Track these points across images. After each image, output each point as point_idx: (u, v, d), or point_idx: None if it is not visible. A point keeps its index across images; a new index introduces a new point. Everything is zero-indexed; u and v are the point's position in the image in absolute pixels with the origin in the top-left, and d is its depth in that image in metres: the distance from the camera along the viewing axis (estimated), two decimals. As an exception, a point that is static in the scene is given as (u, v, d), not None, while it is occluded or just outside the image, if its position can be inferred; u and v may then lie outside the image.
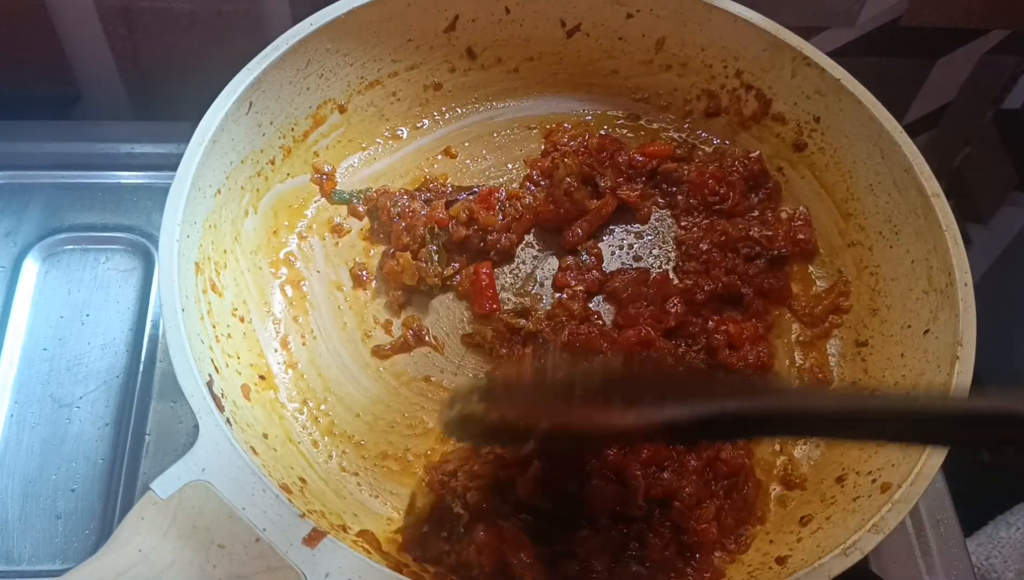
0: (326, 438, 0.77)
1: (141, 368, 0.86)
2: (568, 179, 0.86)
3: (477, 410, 0.62)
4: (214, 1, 1.00)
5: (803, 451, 0.79)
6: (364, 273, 0.85)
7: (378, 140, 0.93)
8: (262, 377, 0.78)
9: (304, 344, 0.81)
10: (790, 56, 0.88)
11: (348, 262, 0.86)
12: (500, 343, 0.81)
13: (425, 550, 0.70)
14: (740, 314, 0.84)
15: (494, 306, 0.83)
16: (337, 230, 0.88)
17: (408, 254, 0.83)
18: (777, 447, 0.79)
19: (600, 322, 0.83)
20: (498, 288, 0.85)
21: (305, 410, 0.78)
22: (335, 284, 0.85)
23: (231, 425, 0.65)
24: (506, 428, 0.62)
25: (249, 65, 0.80)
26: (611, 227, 0.90)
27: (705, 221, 0.89)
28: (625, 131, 0.96)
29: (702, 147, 0.95)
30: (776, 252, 0.86)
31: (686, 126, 0.96)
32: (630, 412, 0.58)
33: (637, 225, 0.90)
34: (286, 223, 0.87)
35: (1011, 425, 0.49)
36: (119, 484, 0.80)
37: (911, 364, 0.77)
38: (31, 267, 0.91)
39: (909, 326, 0.79)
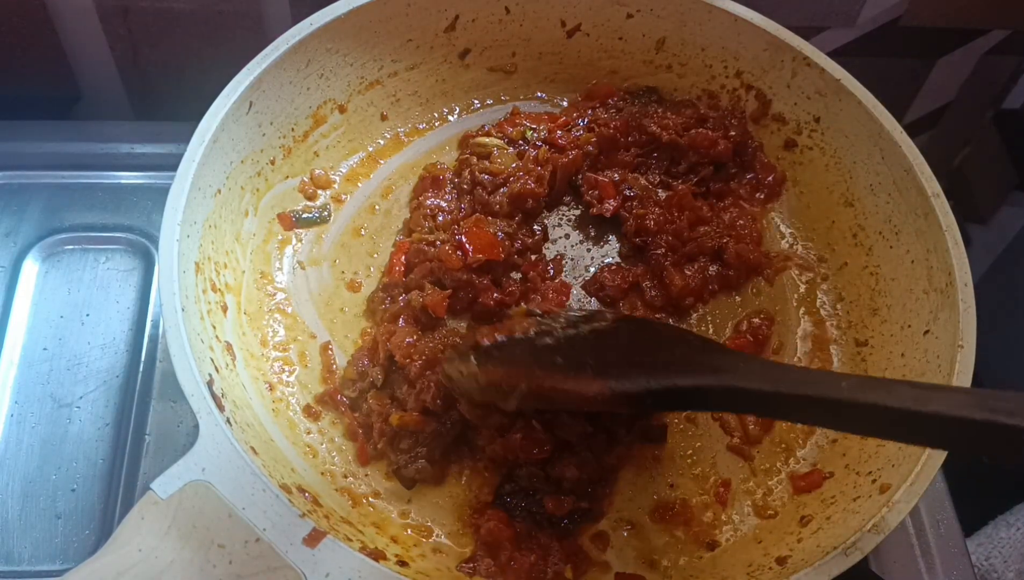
0: (326, 437, 0.77)
1: (141, 368, 0.86)
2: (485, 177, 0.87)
3: (471, 369, 0.67)
4: (214, 1, 1.00)
5: (804, 452, 0.79)
6: (358, 278, 0.86)
7: (378, 140, 0.93)
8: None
9: (305, 345, 0.81)
10: (790, 56, 0.88)
11: (348, 263, 0.87)
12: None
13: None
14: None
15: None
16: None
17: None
18: (783, 446, 0.79)
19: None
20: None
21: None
22: (336, 284, 0.85)
23: (231, 425, 0.65)
24: (494, 387, 0.66)
25: (249, 65, 0.80)
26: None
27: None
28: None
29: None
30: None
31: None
32: (599, 383, 0.63)
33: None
34: (286, 223, 0.87)
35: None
36: (119, 484, 0.80)
37: (911, 364, 0.77)
38: (31, 267, 0.91)
39: (909, 326, 0.79)
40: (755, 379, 0.60)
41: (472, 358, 0.67)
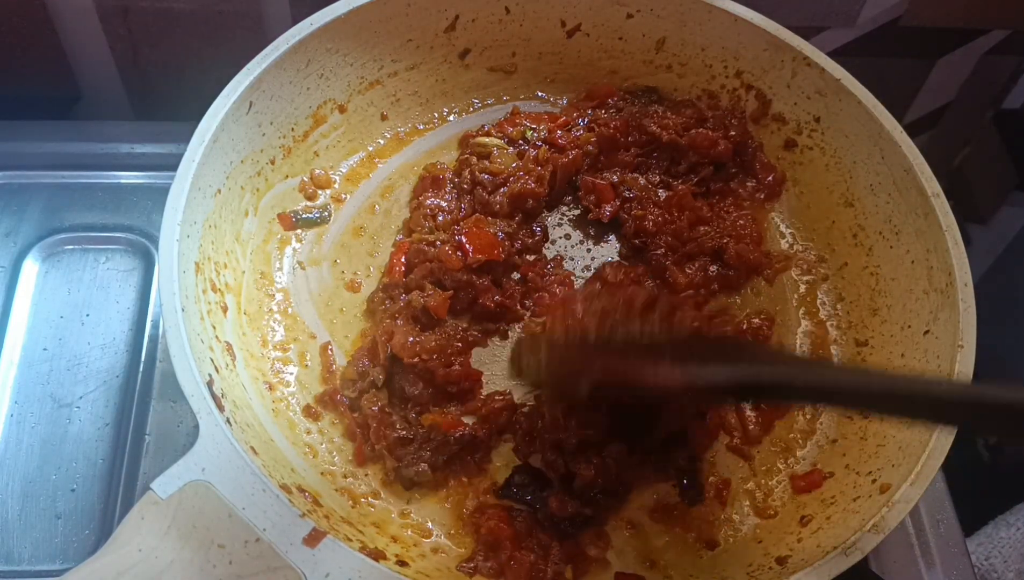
0: (326, 437, 0.77)
1: (141, 368, 0.86)
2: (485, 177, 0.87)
3: (539, 358, 0.69)
4: (214, 1, 1.00)
5: (803, 452, 0.79)
6: (358, 278, 0.86)
7: (378, 140, 0.93)
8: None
9: (305, 346, 0.81)
10: (790, 56, 0.88)
11: (348, 263, 0.87)
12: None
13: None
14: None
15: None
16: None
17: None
18: (782, 446, 0.79)
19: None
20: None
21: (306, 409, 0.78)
22: (336, 284, 0.85)
23: (231, 425, 0.65)
24: (565, 375, 0.68)
25: (249, 65, 0.80)
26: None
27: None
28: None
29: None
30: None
31: (686, 126, 0.96)
32: (677, 370, 0.64)
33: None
34: (286, 223, 0.87)
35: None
36: (119, 484, 0.80)
37: (911, 364, 0.77)
38: (31, 267, 0.91)
39: (909, 326, 0.79)
40: (822, 375, 0.63)
41: (541, 344, 0.70)
